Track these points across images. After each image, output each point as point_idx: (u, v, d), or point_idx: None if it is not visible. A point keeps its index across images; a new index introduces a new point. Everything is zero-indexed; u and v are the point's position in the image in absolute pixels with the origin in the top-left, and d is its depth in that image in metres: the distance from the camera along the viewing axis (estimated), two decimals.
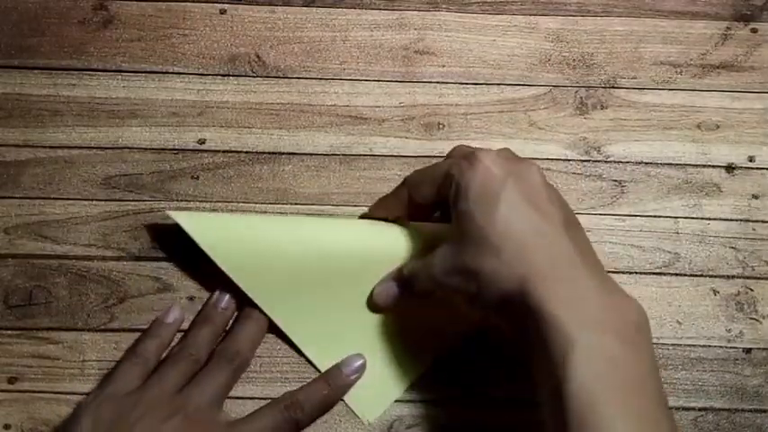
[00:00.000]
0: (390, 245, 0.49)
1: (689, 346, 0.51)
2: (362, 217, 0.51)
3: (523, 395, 0.50)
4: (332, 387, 0.48)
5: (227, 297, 0.49)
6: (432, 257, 0.45)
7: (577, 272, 0.40)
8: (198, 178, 0.52)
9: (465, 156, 0.44)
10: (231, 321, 0.49)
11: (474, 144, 0.53)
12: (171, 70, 0.54)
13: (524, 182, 0.42)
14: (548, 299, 0.39)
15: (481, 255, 0.41)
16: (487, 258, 0.41)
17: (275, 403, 0.47)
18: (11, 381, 0.49)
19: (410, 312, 0.49)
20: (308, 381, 0.49)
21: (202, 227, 0.49)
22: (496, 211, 0.41)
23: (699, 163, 0.54)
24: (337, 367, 0.48)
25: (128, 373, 0.46)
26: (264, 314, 0.49)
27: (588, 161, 0.54)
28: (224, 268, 0.48)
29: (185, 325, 0.49)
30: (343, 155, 0.53)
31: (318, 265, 0.49)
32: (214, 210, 0.52)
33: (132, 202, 0.52)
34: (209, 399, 0.45)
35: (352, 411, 0.49)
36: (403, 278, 0.48)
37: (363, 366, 0.49)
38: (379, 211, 0.51)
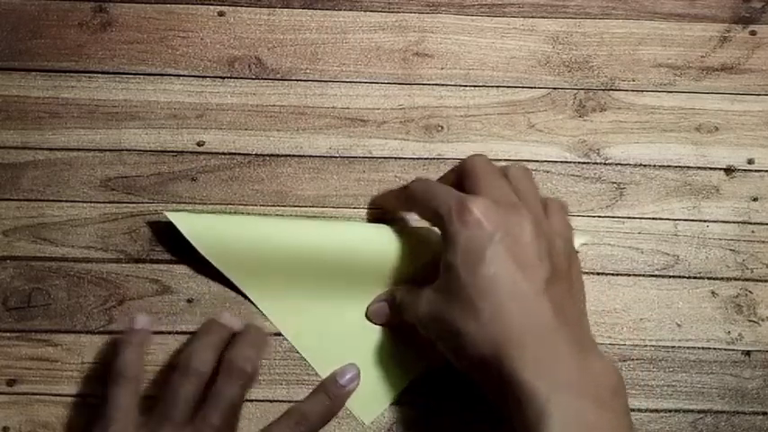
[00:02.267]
0: (388, 248, 0.49)
1: (688, 348, 0.51)
2: (370, 205, 0.52)
3: None
4: (332, 399, 0.48)
5: (226, 314, 0.49)
6: (419, 298, 0.45)
7: (553, 335, 0.40)
8: (197, 180, 0.52)
9: (458, 202, 0.43)
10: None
11: (473, 147, 0.53)
12: (170, 72, 0.54)
13: (513, 237, 0.42)
14: (522, 367, 0.39)
15: (462, 315, 0.42)
16: (468, 320, 0.41)
17: (286, 419, 0.47)
18: (9, 383, 0.49)
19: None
20: (306, 382, 0.49)
21: (197, 227, 0.49)
22: (480, 269, 0.41)
23: (698, 165, 0.54)
24: (334, 378, 0.48)
25: (122, 403, 0.44)
26: (265, 323, 0.49)
27: (587, 163, 0.54)
28: (218, 267, 0.49)
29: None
30: (343, 157, 0.53)
31: (316, 267, 0.49)
32: (213, 212, 0.52)
33: (131, 204, 0.52)
34: (223, 421, 0.44)
35: (352, 413, 0.49)
36: (393, 304, 0.48)
37: (358, 374, 0.49)
38: (384, 203, 0.51)
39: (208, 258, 0.49)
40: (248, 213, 0.52)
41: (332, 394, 0.48)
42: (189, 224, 0.49)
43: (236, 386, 0.45)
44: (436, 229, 0.47)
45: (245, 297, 0.50)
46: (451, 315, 0.42)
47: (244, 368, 0.45)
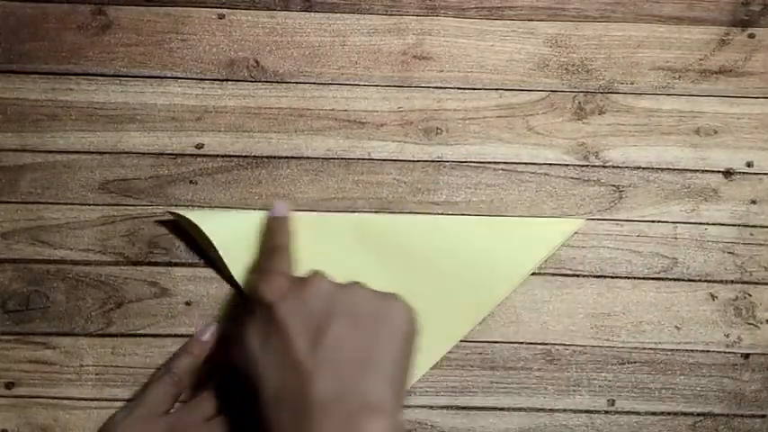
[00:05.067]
0: (392, 246, 0.49)
1: (687, 351, 0.51)
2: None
3: (513, 403, 0.50)
4: (195, 355, 0.49)
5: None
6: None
7: None
8: (196, 183, 0.52)
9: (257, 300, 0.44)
10: None
11: (472, 149, 0.53)
12: (169, 75, 0.54)
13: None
14: None
15: None
16: None
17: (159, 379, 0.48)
18: (8, 386, 0.49)
19: None
20: None
21: (211, 222, 0.49)
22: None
23: (697, 168, 0.54)
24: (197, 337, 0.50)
25: (160, 393, 0.46)
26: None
27: (586, 166, 0.54)
28: (228, 263, 0.49)
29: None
30: (342, 159, 0.53)
31: (319, 265, 0.49)
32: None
33: (130, 207, 0.52)
34: None
35: None
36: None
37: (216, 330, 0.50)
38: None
39: (222, 255, 0.49)
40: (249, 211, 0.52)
41: (194, 350, 0.49)
42: (203, 220, 0.50)
43: None
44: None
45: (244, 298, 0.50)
46: None
47: None
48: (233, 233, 0.50)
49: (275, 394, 0.40)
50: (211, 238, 0.49)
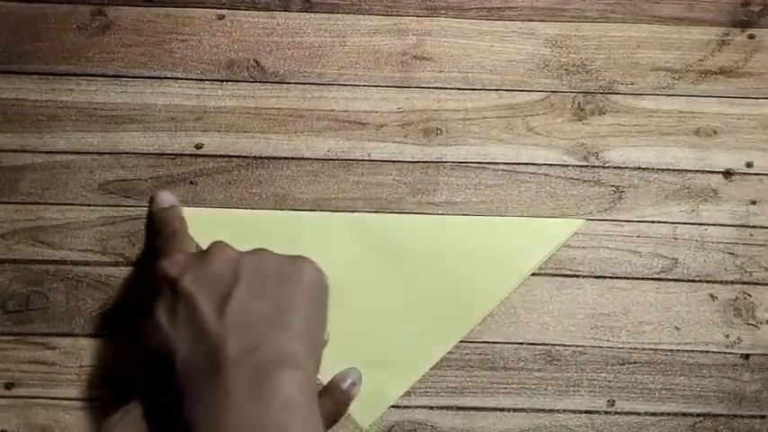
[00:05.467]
0: (391, 246, 0.49)
1: (687, 351, 0.51)
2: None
3: (513, 403, 0.50)
4: (336, 404, 0.47)
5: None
6: None
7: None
8: (196, 184, 0.52)
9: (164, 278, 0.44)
10: None
11: (472, 150, 0.53)
12: (169, 75, 0.54)
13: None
14: None
15: None
16: None
17: None
18: (8, 386, 0.49)
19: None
20: None
21: (199, 223, 0.50)
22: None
23: (697, 169, 0.54)
24: (336, 383, 0.48)
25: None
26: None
27: (586, 167, 0.54)
28: None
29: None
30: (341, 160, 0.53)
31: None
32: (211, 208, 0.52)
33: (130, 208, 0.52)
34: None
35: (351, 417, 0.49)
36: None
37: (360, 378, 0.48)
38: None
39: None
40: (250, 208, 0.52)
41: (336, 399, 0.47)
42: (189, 219, 0.50)
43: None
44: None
45: None
46: None
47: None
48: (223, 232, 0.50)
49: (187, 360, 0.40)
50: (197, 239, 0.49)
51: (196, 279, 0.42)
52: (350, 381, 0.48)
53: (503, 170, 0.53)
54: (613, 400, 0.50)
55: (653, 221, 0.53)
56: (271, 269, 0.43)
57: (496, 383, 0.51)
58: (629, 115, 0.55)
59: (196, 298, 0.41)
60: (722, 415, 0.50)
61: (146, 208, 0.52)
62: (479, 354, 0.51)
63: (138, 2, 0.55)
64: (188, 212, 0.51)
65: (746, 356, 0.51)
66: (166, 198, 0.51)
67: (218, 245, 0.44)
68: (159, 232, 0.49)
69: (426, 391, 0.50)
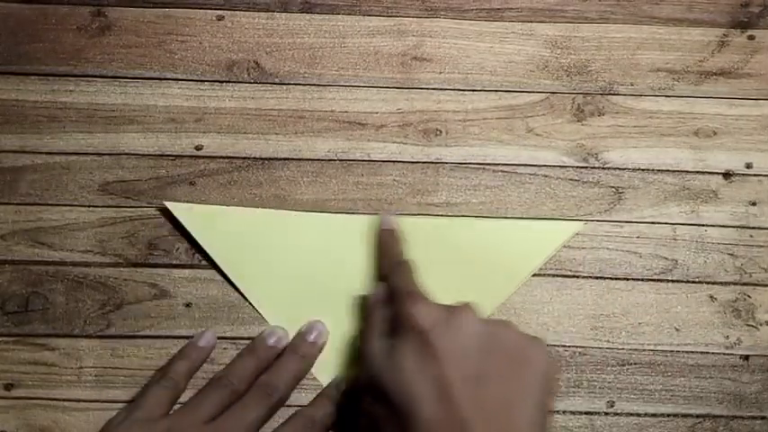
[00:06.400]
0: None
1: (687, 352, 0.51)
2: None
3: None
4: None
5: (278, 335, 0.49)
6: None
7: None
8: (195, 184, 0.52)
9: (407, 317, 0.44)
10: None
11: (472, 150, 0.53)
12: (169, 76, 0.54)
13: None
14: None
15: None
16: None
17: (256, 394, 0.47)
18: (7, 387, 0.49)
19: None
20: (306, 387, 0.49)
21: (199, 219, 0.50)
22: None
23: (696, 170, 0.54)
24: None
25: (157, 397, 0.46)
26: (311, 352, 0.49)
27: (586, 168, 0.54)
28: (217, 260, 0.50)
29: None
30: (341, 160, 0.53)
31: (312, 263, 0.50)
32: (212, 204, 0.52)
33: (129, 209, 0.52)
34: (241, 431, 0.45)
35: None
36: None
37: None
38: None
39: (206, 250, 0.50)
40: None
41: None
42: (189, 215, 0.50)
43: (263, 406, 0.46)
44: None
45: (244, 300, 0.50)
46: None
47: (277, 387, 0.47)
48: (222, 229, 0.50)
49: (431, 420, 0.40)
50: (195, 236, 0.50)
51: (447, 339, 0.42)
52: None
53: (502, 171, 0.53)
54: (613, 401, 0.50)
55: (653, 222, 0.53)
56: (513, 348, 0.43)
57: None
58: (628, 116, 0.55)
59: (446, 359, 0.42)
60: (722, 416, 0.50)
61: (146, 209, 0.52)
62: None
63: (137, 3, 0.55)
64: (187, 208, 0.51)
65: (746, 357, 0.51)
66: (388, 221, 0.51)
67: (466, 307, 0.44)
68: (381, 257, 0.50)
69: None
